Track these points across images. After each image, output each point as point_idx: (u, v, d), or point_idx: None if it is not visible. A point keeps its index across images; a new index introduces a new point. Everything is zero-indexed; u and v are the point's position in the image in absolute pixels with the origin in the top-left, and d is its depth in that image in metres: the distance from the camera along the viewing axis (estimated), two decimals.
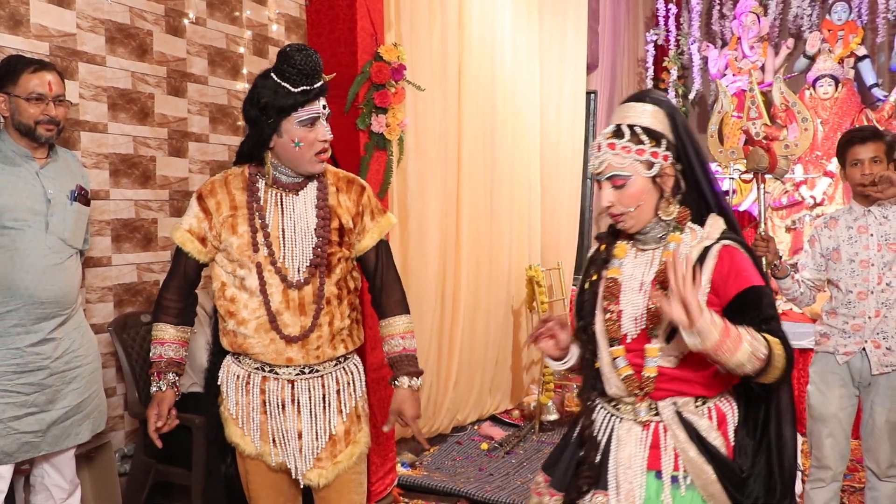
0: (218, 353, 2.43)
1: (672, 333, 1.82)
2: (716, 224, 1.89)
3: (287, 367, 2.28)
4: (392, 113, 3.82)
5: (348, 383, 2.37)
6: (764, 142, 3.47)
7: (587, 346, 1.98)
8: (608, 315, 1.92)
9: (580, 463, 1.95)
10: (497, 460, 4.65)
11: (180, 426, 3.16)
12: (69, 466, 2.86)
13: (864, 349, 3.12)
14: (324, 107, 2.23)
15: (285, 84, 2.15)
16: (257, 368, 2.30)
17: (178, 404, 3.31)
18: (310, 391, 2.30)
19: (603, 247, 2.03)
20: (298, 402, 2.29)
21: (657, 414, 1.86)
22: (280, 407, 2.29)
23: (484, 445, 4.87)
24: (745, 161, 3.54)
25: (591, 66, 6.84)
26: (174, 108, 3.75)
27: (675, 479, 1.84)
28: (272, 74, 2.18)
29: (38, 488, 2.83)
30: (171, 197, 3.75)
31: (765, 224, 3.37)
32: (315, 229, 2.26)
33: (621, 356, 1.89)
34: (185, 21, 3.79)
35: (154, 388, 2.33)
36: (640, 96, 1.92)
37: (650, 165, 1.84)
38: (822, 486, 3.24)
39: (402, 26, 4.26)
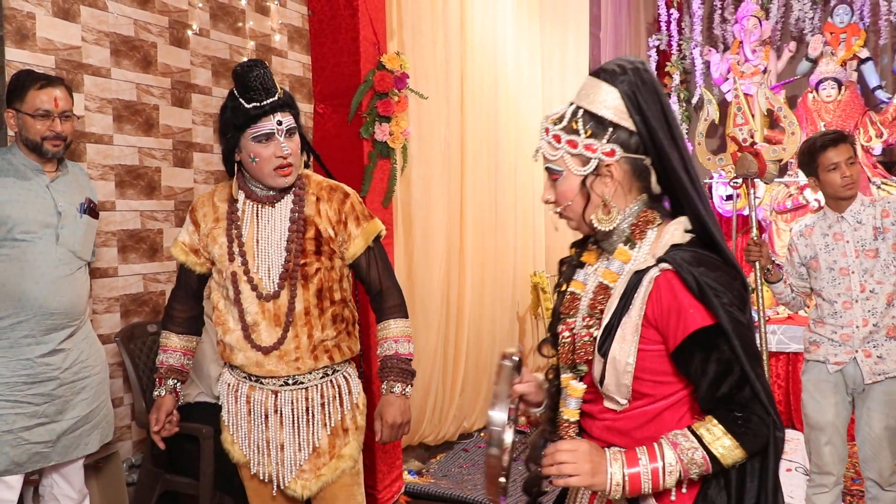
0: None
1: (602, 374, 1.51)
2: (670, 235, 1.49)
3: (270, 378, 2.30)
4: (395, 121, 3.84)
5: (334, 396, 2.35)
6: (752, 147, 3.48)
7: (552, 382, 1.70)
8: (564, 335, 1.61)
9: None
10: None
11: (188, 436, 3.18)
12: (78, 476, 2.88)
13: (855, 358, 3.10)
14: (279, 122, 2.21)
15: (240, 101, 2.18)
16: (245, 378, 2.34)
17: (186, 414, 3.33)
18: (293, 403, 2.30)
19: (573, 251, 1.75)
20: (281, 413, 2.30)
21: None
22: (263, 417, 2.32)
23: None
24: (734, 167, 3.55)
25: None
26: (179, 119, 3.77)
27: None
28: (234, 91, 2.22)
29: (47, 498, 2.84)
30: (177, 207, 3.77)
31: (757, 228, 3.37)
32: (286, 241, 2.27)
33: (576, 396, 1.59)
34: (189, 32, 3.81)
35: (155, 394, 2.41)
36: (597, 70, 1.56)
37: (584, 161, 1.52)
38: (825, 490, 3.22)
39: (405, 35, 4.28)
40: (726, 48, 7.36)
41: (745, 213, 6.65)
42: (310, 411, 2.32)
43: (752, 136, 5.17)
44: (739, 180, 3.41)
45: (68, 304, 2.69)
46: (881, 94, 6.64)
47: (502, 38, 5.28)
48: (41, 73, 2.76)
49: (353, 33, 3.74)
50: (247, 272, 2.26)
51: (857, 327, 3.08)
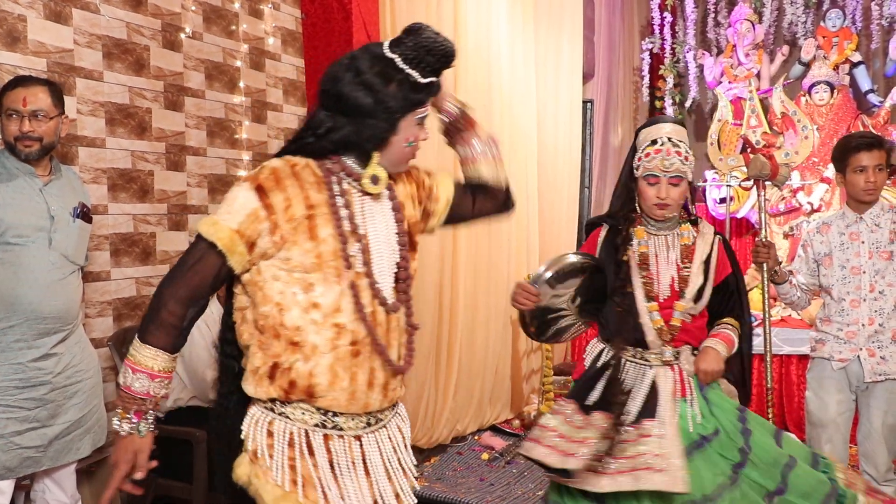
0: (238, 401, 1.84)
1: (698, 295, 2.53)
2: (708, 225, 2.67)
3: (356, 416, 1.80)
4: None
5: (399, 426, 1.96)
6: (766, 149, 3.49)
7: (624, 304, 2.54)
8: (644, 280, 2.55)
9: (611, 400, 2.47)
10: (498, 470, 4.64)
11: (180, 440, 3.17)
12: (70, 481, 2.87)
13: (858, 356, 3.13)
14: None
15: (413, 72, 1.75)
16: (317, 425, 1.76)
17: (179, 418, 3.32)
18: (379, 446, 1.85)
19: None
20: (367, 463, 1.81)
21: (678, 357, 2.54)
22: (349, 471, 1.78)
23: (485, 455, 4.87)
24: (745, 168, 3.56)
25: (587, 75, 6.86)
26: (172, 123, 3.77)
27: (692, 399, 2.49)
28: (393, 56, 1.75)
29: (38, 503, 2.83)
30: (170, 211, 3.76)
31: (766, 230, 3.38)
32: (397, 237, 1.88)
33: (655, 311, 2.53)
34: (182, 35, 3.81)
35: (128, 429, 1.74)
36: (665, 118, 2.71)
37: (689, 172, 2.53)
38: None
39: None
40: (720, 52, 7.38)
41: (738, 216, 6.68)
42: (396, 452, 1.90)
43: (765, 139, 5.16)
44: (750, 182, 3.43)
45: (61, 309, 2.68)
46: (873, 98, 6.66)
47: (496, 41, 5.28)
48: (26, 76, 2.75)
49: (347, 36, 3.74)
50: (373, 281, 1.79)
51: (863, 325, 3.13)
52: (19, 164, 2.66)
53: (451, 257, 4.87)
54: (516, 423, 5.49)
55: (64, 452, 2.74)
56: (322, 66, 3.82)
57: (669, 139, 2.50)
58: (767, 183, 3.40)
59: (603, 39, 7.15)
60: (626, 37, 7.66)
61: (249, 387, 1.76)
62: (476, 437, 5.21)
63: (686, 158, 2.49)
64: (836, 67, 6.64)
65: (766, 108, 6.70)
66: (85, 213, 2.83)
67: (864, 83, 6.69)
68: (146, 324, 1.75)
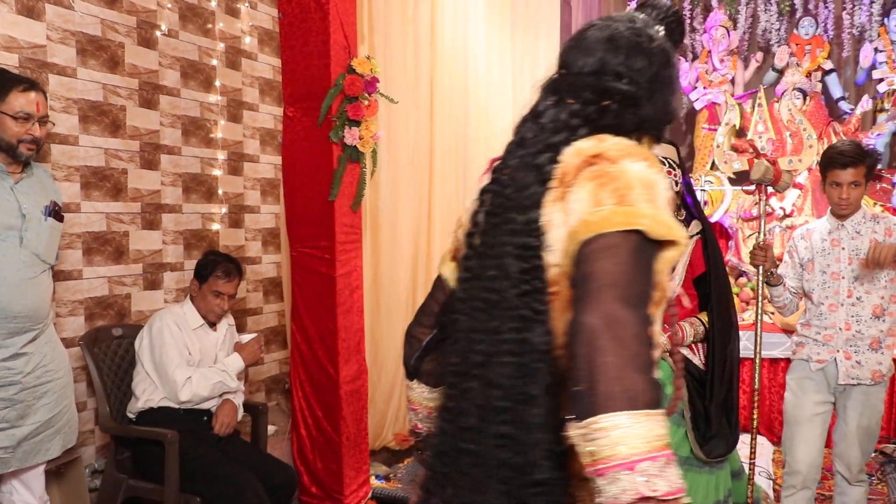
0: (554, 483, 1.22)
1: None
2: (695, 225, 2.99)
3: None
4: (365, 125, 3.83)
5: None
6: (770, 155, 3.55)
7: None
8: None
9: None
10: None
11: (151, 440, 3.15)
12: (39, 482, 2.83)
13: (835, 358, 3.20)
14: None
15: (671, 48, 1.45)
16: None
17: (149, 418, 3.30)
18: None
19: None
20: None
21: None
22: None
23: None
24: (719, 174, 3.61)
25: None
26: (146, 121, 3.74)
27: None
28: (659, 26, 1.46)
29: None
30: (143, 210, 3.73)
31: (763, 234, 3.42)
32: None
33: None
34: (158, 33, 3.78)
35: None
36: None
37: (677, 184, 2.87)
38: (793, 491, 3.29)
39: (376, 39, 4.28)
40: (695, 57, 7.44)
41: (713, 220, 6.73)
42: None
43: (772, 145, 5.17)
44: (752, 186, 3.51)
45: (31, 308, 2.65)
46: (844, 106, 6.76)
47: (473, 45, 5.30)
48: (21, 76, 2.73)
49: (324, 37, 3.72)
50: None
51: (840, 329, 3.22)
52: None
53: (424, 258, 4.88)
54: None
55: (33, 453, 2.71)
56: (299, 66, 3.81)
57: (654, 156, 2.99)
58: (769, 188, 3.45)
59: None
60: None
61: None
62: None
63: (668, 172, 2.85)
64: (808, 74, 6.73)
65: (742, 114, 6.78)
66: (56, 212, 2.80)
67: (836, 91, 6.80)
68: (630, 397, 1.01)
